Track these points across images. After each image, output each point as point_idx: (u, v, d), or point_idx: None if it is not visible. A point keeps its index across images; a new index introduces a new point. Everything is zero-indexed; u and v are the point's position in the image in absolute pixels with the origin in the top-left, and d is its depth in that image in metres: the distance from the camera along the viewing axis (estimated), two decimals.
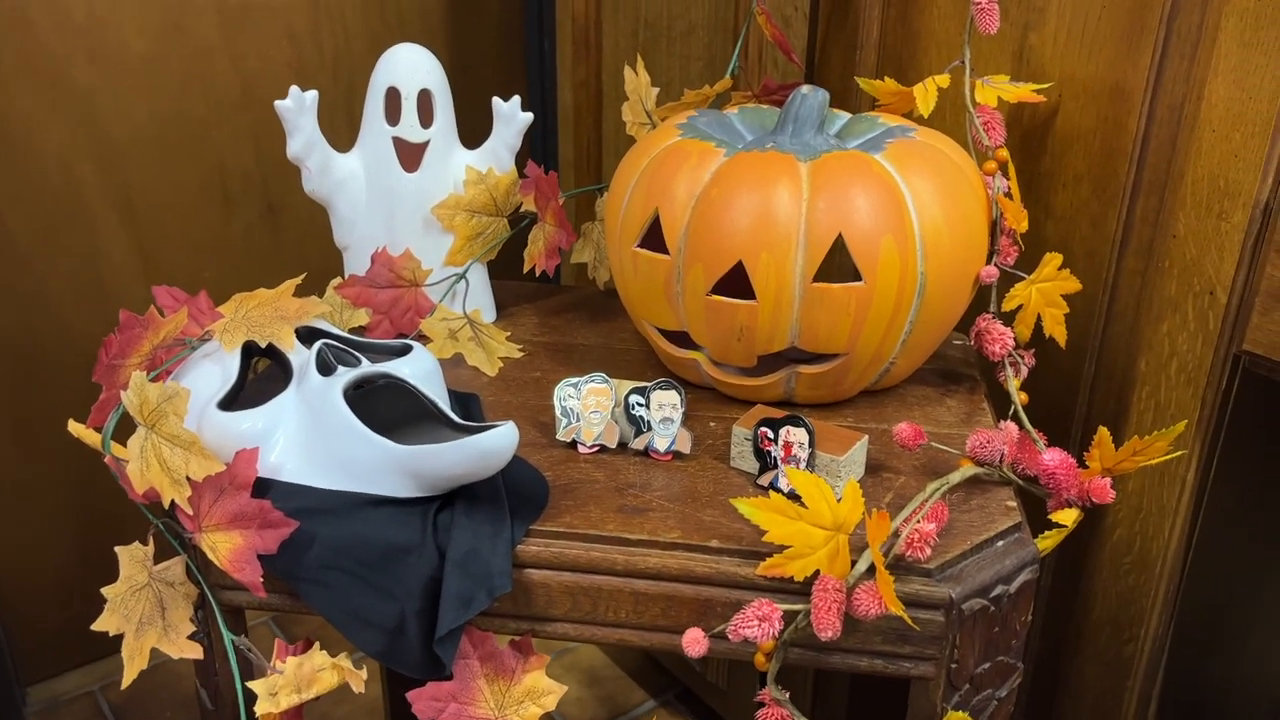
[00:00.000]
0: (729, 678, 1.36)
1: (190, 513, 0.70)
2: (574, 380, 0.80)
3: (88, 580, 1.50)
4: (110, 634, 0.72)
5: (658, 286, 0.83)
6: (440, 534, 0.71)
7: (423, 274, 0.95)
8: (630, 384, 0.80)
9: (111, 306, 1.40)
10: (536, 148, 1.60)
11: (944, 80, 0.90)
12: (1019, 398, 0.82)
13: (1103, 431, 0.74)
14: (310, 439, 0.75)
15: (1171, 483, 0.90)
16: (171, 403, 0.69)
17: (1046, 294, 0.86)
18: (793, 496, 0.69)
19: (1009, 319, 0.86)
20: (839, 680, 1.23)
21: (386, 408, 0.77)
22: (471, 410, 0.86)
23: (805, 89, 0.84)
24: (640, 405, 0.79)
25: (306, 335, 0.83)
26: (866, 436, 0.77)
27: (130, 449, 0.70)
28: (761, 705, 0.69)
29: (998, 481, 0.77)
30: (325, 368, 0.77)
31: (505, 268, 1.06)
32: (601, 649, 1.59)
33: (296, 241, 1.54)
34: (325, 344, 0.78)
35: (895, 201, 0.77)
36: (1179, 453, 0.80)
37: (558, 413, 0.80)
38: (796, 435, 0.74)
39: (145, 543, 0.74)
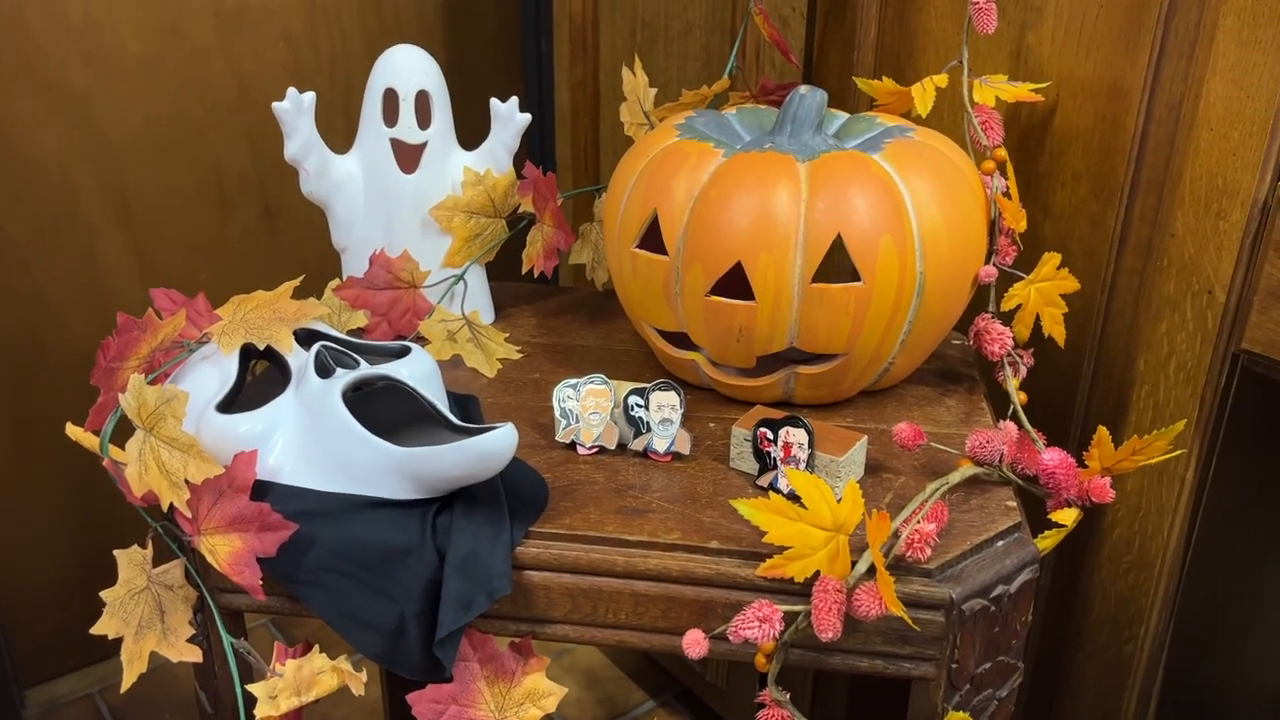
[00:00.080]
0: (728, 678, 1.36)
1: (189, 516, 0.70)
2: (573, 381, 0.80)
3: (86, 583, 1.50)
4: (109, 637, 0.72)
5: (656, 287, 0.83)
6: (440, 536, 0.71)
7: (421, 275, 0.95)
8: (629, 385, 0.80)
9: (108, 308, 1.40)
10: (534, 148, 1.59)
11: (942, 80, 0.90)
12: (1018, 397, 0.82)
13: (1102, 431, 0.74)
14: (309, 441, 0.75)
15: (1170, 481, 0.90)
16: (170, 405, 0.69)
17: (1045, 293, 0.86)
18: (792, 497, 0.69)
19: (1008, 318, 0.86)
20: (838, 681, 1.23)
21: (385, 410, 0.77)
22: (470, 412, 0.86)
23: (803, 89, 0.84)
24: (639, 406, 0.79)
25: (305, 337, 0.83)
26: (866, 437, 0.77)
27: (129, 452, 0.70)
28: (762, 706, 0.69)
29: (997, 481, 0.77)
30: (324, 370, 0.77)
31: (503, 269, 1.06)
32: (600, 650, 1.59)
33: (294, 243, 1.54)
34: (324, 346, 0.78)
35: (894, 201, 0.77)
36: (1178, 451, 0.80)
37: (557, 414, 0.80)
38: (796, 436, 0.74)
39: (144, 546, 0.74)
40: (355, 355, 0.79)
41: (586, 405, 0.80)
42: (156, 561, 0.74)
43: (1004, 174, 0.87)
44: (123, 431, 0.73)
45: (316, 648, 0.74)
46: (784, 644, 0.67)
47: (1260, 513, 0.97)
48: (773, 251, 0.77)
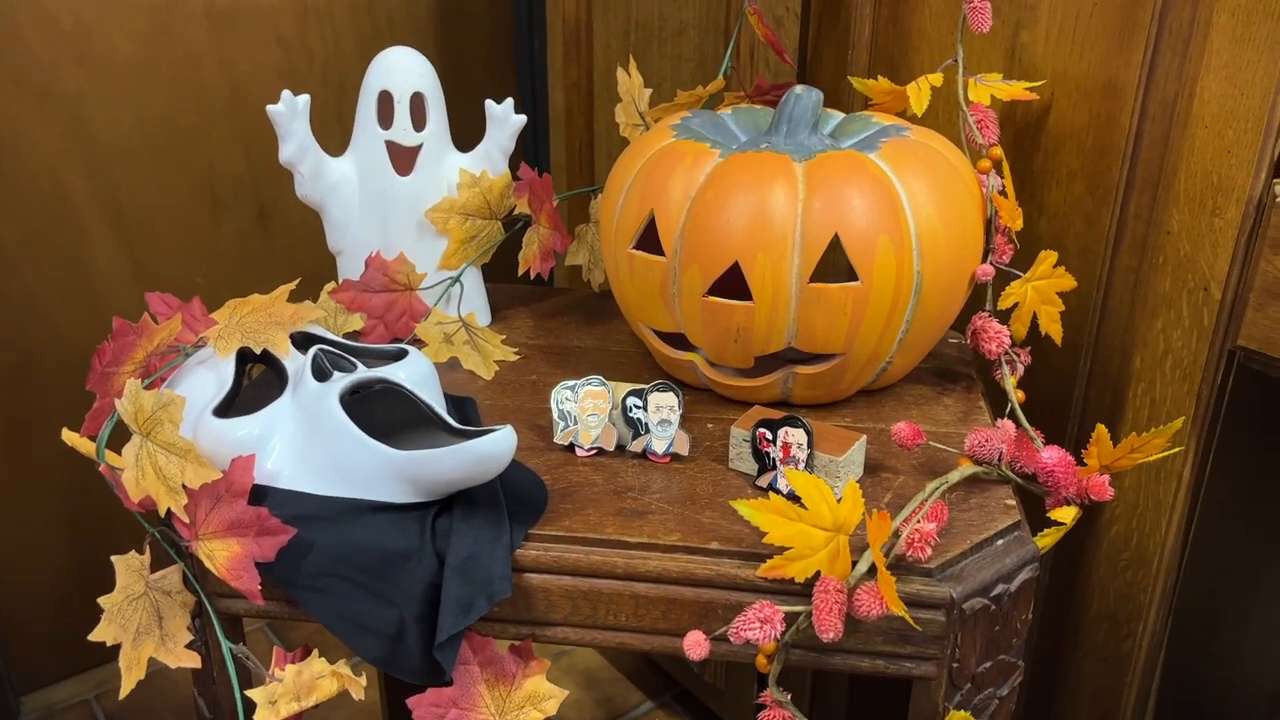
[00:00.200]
0: (726, 678, 1.36)
1: (187, 521, 0.70)
2: (571, 383, 0.80)
3: (82, 588, 1.49)
4: (108, 644, 0.71)
5: (654, 288, 0.83)
6: (439, 539, 0.71)
7: (417, 278, 0.95)
8: (627, 386, 0.80)
9: (102, 313, 1.40)
10: (528, 150, 1.59)
11: (937, 79, 0.90)
12: (1016, 396, 0.82)
13: (1101, 429, 0.74)
14: (307, 445, 0.74)
15: (1168, 479, 0.90)
16: (167, 410, 0.69)
17: (1042, 291, 0.87)
18: (792, 497, 0.69)
19: (1005, 317, 0.86)
20: (838, 681, 1.23)
21: (383, 413, 0.77)
22: (468, 414, 0.85)
23: (799, 89, 0.84)
24: (638, 407, 0.79)
25: (301, 340, 0.83)
26: (864, 436, 0.77)
27: (125, 457, 0.70)
28: (762, 707, 0.69)
29: (996, 480, 0.77)
30: (321, 373, 0.76)
31: (499, 270, 1.05)
32: (599, 651, 1.59)
33: (288, 246, 1.53)
34: (321, 349, 0.78)
35: (891, 201, 0.77)
36: (1177, 449, 0.80)
37: (555, 416, 0.80)
38: (795, 436, 0.74)
39: (141, 551, 0.73)
40: (352, 358, 0.79)
41: (585, 407, 0.79)
42: (154, 567, 0.74)
43: (1000, 172, 0.87)
44: (119, 437, 0.73)
45: (315, 652, 0.74)
46: (785, 644, 0.67)
47: (1257, 509, 0.97)
48: (770, 252, 0.77)
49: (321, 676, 0.72)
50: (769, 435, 0.75)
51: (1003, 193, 0.86)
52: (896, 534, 0.67)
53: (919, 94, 0.89)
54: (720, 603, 0.69)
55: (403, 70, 0.93)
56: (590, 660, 1.58)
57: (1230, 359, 0.85)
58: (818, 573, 0.66)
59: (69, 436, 0.73)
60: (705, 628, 0.69)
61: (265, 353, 0.80)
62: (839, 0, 1.06)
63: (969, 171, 0.84)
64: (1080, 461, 0.76)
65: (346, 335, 0.94)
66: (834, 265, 0.79)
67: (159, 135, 1.39)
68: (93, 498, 1.46)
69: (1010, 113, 0.96)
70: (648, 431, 0.79)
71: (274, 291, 0.81)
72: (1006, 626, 0.70)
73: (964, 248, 0.81)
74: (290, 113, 0.91)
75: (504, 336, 0.99)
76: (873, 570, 0.65)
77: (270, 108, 0.90)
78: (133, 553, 0.73)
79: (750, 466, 0.77)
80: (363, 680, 0.72)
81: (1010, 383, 0.83)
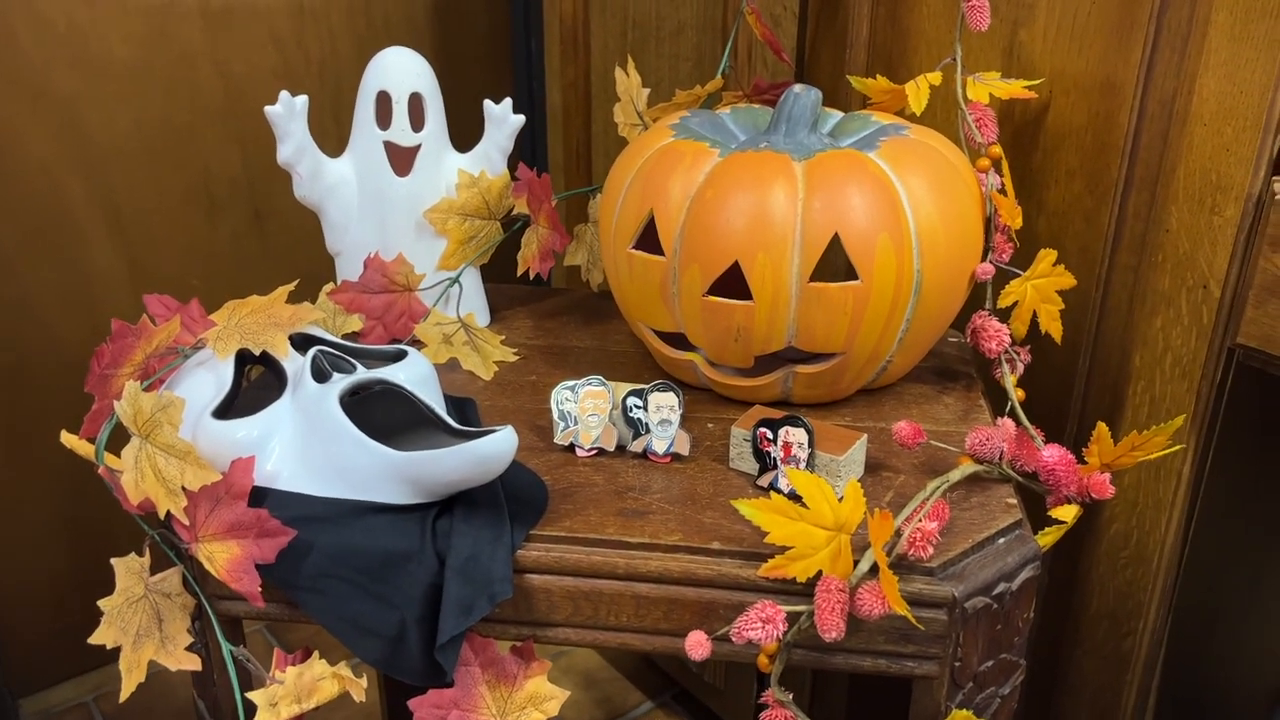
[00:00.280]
0: (726, 678, 1.36)
1: (186, 523, 0.70)
2: (571, 383, 0.80)
3: (80, 591, 1.49)
4: (108, 647, 0.71)
5: (653, 288, 0.82)
6: (439, 540, 0.71)
7: (416, 279, 0.95)
8: (627, 386, 0.80)
9: (98, 315, 1.40)
10: (525, 150, 1.59)
11: (936, 78, 0.90)
12: (1016, 394, 0.82)
13: (1101, 427, 0.74)
14: (307, 446, 0.74)
15: (1167, 477, 0.90)
16: (166, 412, 0.69)
17: (1041, 290, 0.87)
18: (793, 497, 0.69)
19: (1004, 316, 0.86)
20: (837, 680, 1.23)
21: (382, 414, 0.77)
22: (468, 415, 0.85)
23: (798, 88, 0.84)
24: (638, 407, 0.79)
25: (300, 342, 0.83)
26: (865, 436, 0.77)
27: (124, 460, 0.70)
28: (763, 707, 0.69)
29: (997, 479, 0.77)
30: (320, 374, 0.76)
31: (497, 271, 1.05)
32: (598, 651, 1.59)
33: (284, 247, 1.53)
34: (320, 350, 0.77)
35: (890, 200, 0.77)
36: (1177, 447, 0.80)
37: (555, 416, 0.80)
38: (796, 435, 0.73)
39: (141, 554, 0.73)
40: (351, 360, 0.79)
41: (585, 407, 0.79)
42: (154, 569, 0.73)
43: (999, 171, 0.87)
44: (117, 439, 0.73)
45: (316, 654, 0.73)
46: (787, 644, 0.67)
47: (1257, 506, 0.97)
48: (770, 251, 0.76)
49: (322, 678, 0.72)
50: (770, 435, 0.75)
51: (1002, 191, 0.86)
52: (898, 533, 0.67)
53: (918, 93, 0.89)
54: (722, 603, 0.69)
55: (401, 70, 0.92)
56: (589, 660, 1.58)
57: (1230, 357, 0.85)
58: (819, 572, 0.66)
59: (68, 439, 0.73)
60: (707, 628, 0.69)
61: (264, 354, 0.79)
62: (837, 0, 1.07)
63: (968, 170, 0.84)
64: (1081, 460, 0.76)
65: (345, 336, 0.94)
66: (832, 265, 0.79)
67: (155, 136, 1.38)
68: (90, 500, 1.46)
69: (1008, 111, 0.96)
70: (648, 431, 0.79)
71: (273, 293, 0.81)
72: (1008, 625, 0.70)
73: (964, 246, 0.81)
74: (288, 113, 0.90)
75: (503, 337, 0.99)
76: (874, 569, 0.65)
77: (268, 108, 0.90)
78: (132, 555, 0.72)
79: (751, 466, 0.77)
80: (363, 682, 0.72)
81: (1010, 381, 0.83)
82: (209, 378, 0.79)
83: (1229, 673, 1.06)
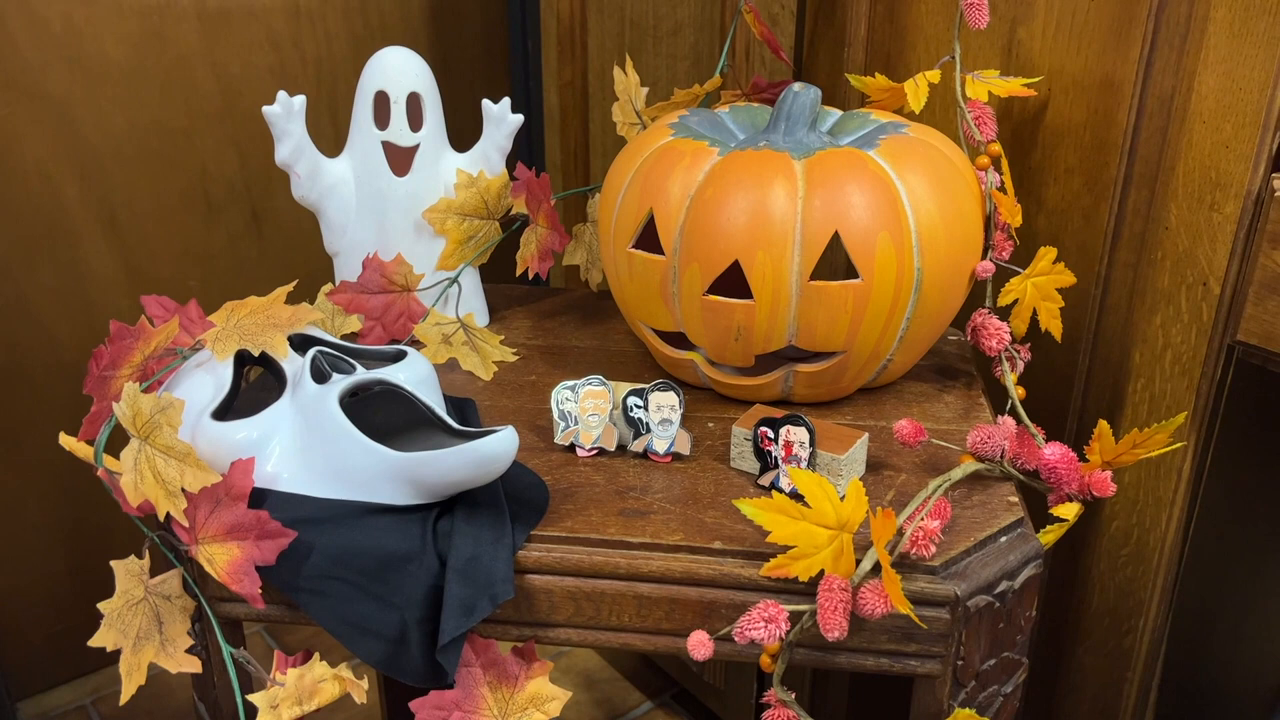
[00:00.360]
0: (725, 678, 1.36)
1: (186, 525, 0.70)
2: (571, 383, 0.80)
3: (77, 593, 1.49)
4: (108, 649, 0.71)
5: (653, 287, 0.82)
6: (440, 541, 0.71)
7: (415, 279, 0.95)
8: (627, 386, 0.80)
9: (95, 317, 1.39)
10: (522, 150, 1.59)
11: (935, 76, 0.90)
12: (1016, 392, 0.82)
13: (1103, 425, 0.74)
14: (307, 447, 0.74)
15: (1168, 474, 0.90)
16: (165, 414, 0.68)
17: (1042, 288, 0.86)
18: (795, 496, 0.69)
19: (1004, 314, 0.86)
20: (837, 679, 1.23)
21: (382, 415, 0.76)
22: (468, 415, 0.85)
23: (797, 86, 0.84)
24: (638, 407, 0.79)
25: (299, 343, 0.83)
26: (866, 434, 0.77)
27: (124, 462, 0.70)
28: (763, 706, 0.68)
29: (998, 477, 0.76)
30: (320, 375, 0.76)
31: (495, 271, 1.05)
32: (597, 651, 1.59)
33: (281, 249, 1.53)
34: (319, 351, 0.77)
35: (890, 198, 0.77)
36: (1179, 444, 0.80)
37: (555, 416, 0.80)
38: (797, 434, 0.73)
39: (140, 556, 0.73)
40: (351, 360, 0.78)
41: (585, 407, 0.79)
42: (153, 571, 0.73)
43: (999, 169, 0.86)
44: (116, 441, 0.72)
45: (317, 656, 0.73)
46: (789, 644, 0.67)
47: (1257, 503, 0.97)
48: (770, 249, 0.76)
49: (323, 680, 0.72)
50: (771, 434, 0.74)
51: (1002, 189, 0.86)
52: (900, 532, 0.67)
53: (917, 91, 0.89)
54: (724, 602, 0.69)
55: (399, 70, 0.92)
56: (589, 661, 1.58)
57: (1229, 354, 0.85)
58: (822, 571, 0.66)
59: (66, 440, 0.73)
60: (709, 628, 0.69)
61: (263, 355, 0.79)
62: None
63: (968, 168, 0.84)
64: (1082, 458, 0.75)
65: (344, 337, 0.94)
66: (831, 263, 0.79)
67: (151, 138, 1.38)
68: (87, 502, 1.45)
69: (1007, 109, 0.96)
70: (649, 431, 0.79)
71: (271, 293, 0.80)
72: (1011, 623, 0.70)
73: (964, 244, 0.81)
74: (286, 113, 0.90)
75: (502, 337, 0.98)
76: (877, 568, 0.65)
77: (266, 109, 0.89)
78: (132, 557, 0.72)
79: (752, 465, 0.77)
80: (364, 683, 0.72)
81: (1011, 379, 0.83)
82: (208, 379, 0.79)
83: (1230, 670, 1.06)
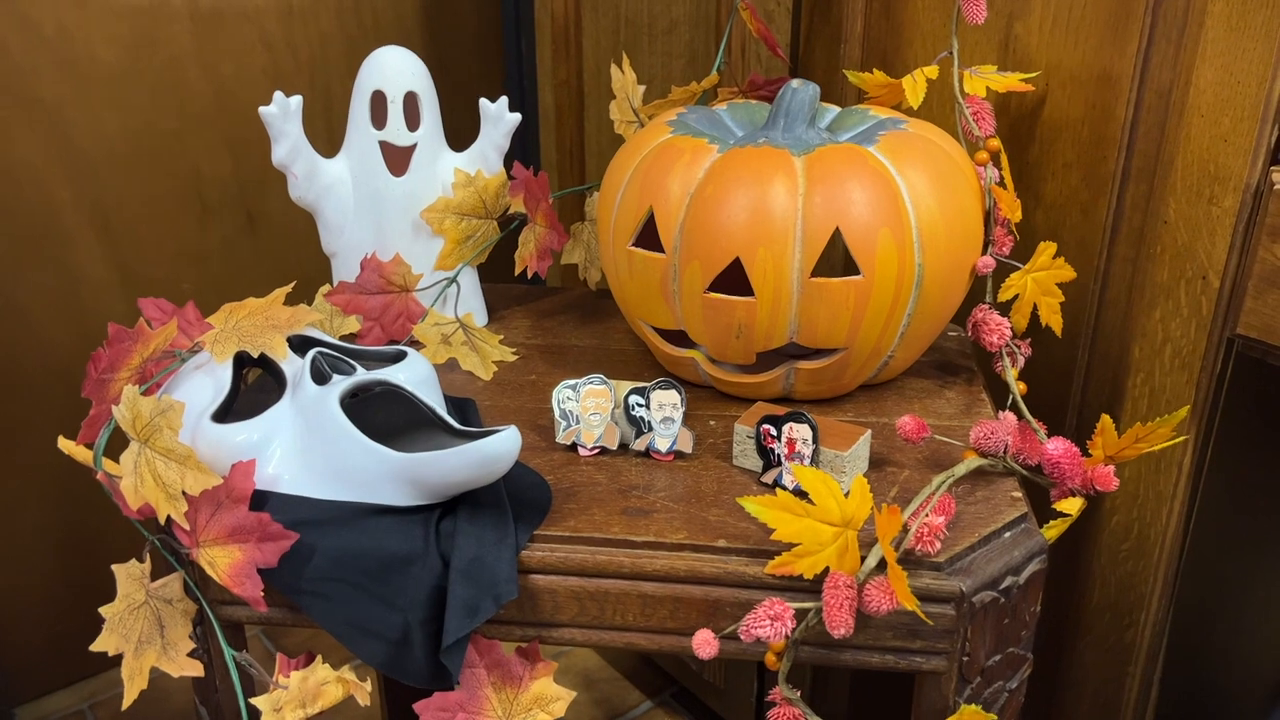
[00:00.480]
0: (726, 676, 1.36)
1: (187, 528, 0.69)
2: (572, 382, 0.79)
3: (74, 598, 1.48)
4: (109, 654, 0.70)
5: (654, 285, 0.82)
6: (443, 542, 0.70)
7: (413, 279, 0.94)
8: (629, 384, 0.80)
9: (89, 321, 1.38)
10: (517, 149, 1.59)
11: (933, 71, 0.90)
12: (1018, 388, 0.82)
13: (1105, 419, 0.74)
14: (307, 449, 0.74)
15: (1168, 468, 0.90)
16: (165, 416, 0.68)
17: (1042, 283, 0.86)
18: (798, 493, 0.68)
19: (1004, 309, 0.86)
20: (837, 676, 1.23)
21: (382, 416, 0.76)
22: (468, 415, 0.85)
23: (795, 83, 0.84)
24: (640, 406, 0.78)
25: (298, 344, 0.82)
26: (869, 431, 0.76)
27: (123, 465, 0.69)
28: (767, 704, 0.68)
29: (1001, 472, 0.76)
30: (320, 376, 0.76)
31: (492, 270, 1.05)
32: (596, 651, 1.59)
33: (276, 251, 1.52)
34: (319, 352, 0.77)
35: (891, 194, 0.77)
36: (1181, 438, 0.80)
37: (557, 415, 0.79)
38: (800, 431, 0.73)
39: (139, 559, 0.72)
40: (351, 361, 0.78)
41: (587, 406, 0.79)
42: (154, 575, 0.73)
43: (998, 164, 0.86)
44: (115, 444, 0.72)
45: (319, 658, 0.73)
46: (794, 642, 0.67)
47: (1258, 497, 0.97)
48: (771, 246, 0.76)
49: (326, 682, 0.72)
50: (773, 431, 0.74)
51: (1001, 184, 0.86)
52: (905, 528, 0.67)
53: (915, 87, 0.89)
54: (728, 601, 0.69)
55: (396, 70, 0.92)
56: (588, 660, 1.57)
57: (1229, 347, 0.85)
58: (827, 569, 0.65)
59: (65, 444, 0.72)
60: (713, 626, 0.69)
61: (262, 357, 0.79)
62: None
63: (967, 164, 0.84)
64: (1084, 452, 0.75)
65: (343, 338, 0.94)
66: (829, 260, 0.79)
67: (143, 140, 1.37)
68: (83, 506, 1.45)
69: (1004, 105, 0.96)
70: (650, 430, 0.78)
71: (270, 295, 0.80)
72: (1015, 619, 0.70)
73: (964, 240, 0.81)
74: (283, 114, 0.90)
75: (501, 337, 0.98)
76: (882, 565, 0.65)
77: (263, 109, 0.89)
78: (133, 561, 0.72)
79: (755, 463, 0.77)
80: (368, 685, 0.71)
81: (1012, 375, 0.83)
82: (207, 381, 0.79)
83: (1231, 664, 1.06)
